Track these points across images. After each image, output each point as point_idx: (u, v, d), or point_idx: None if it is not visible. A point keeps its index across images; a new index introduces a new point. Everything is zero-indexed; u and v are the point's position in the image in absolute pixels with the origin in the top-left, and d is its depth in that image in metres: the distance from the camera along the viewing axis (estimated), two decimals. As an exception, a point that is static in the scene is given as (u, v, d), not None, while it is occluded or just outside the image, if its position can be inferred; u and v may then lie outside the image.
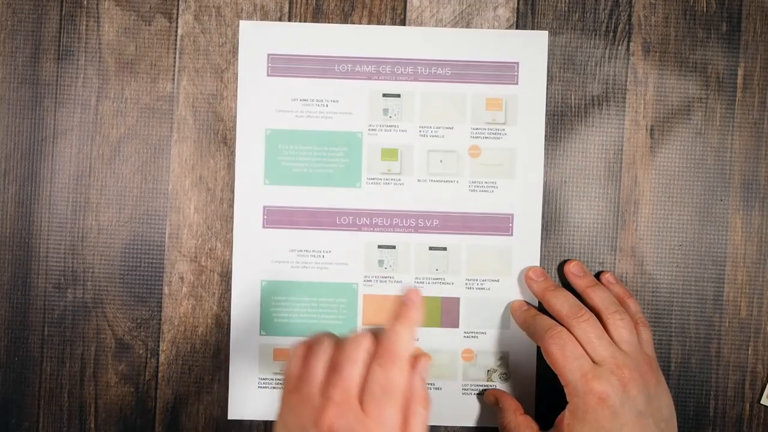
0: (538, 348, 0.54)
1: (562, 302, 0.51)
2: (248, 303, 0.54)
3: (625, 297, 0.52)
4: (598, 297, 0.51)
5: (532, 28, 0.54)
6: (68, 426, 0.54)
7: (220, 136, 0.54)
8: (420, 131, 0.54)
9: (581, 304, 0.51)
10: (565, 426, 0.47)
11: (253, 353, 0.54)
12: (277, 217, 0.54)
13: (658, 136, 0.55)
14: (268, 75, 0.54)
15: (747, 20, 0.54)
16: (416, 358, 0.41)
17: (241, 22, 0.54)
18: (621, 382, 0.47)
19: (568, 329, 0.49)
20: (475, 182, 0.54)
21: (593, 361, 0.48)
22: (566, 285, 0.54)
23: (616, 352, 0.48)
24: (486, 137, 0.54)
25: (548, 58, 0.54)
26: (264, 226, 0.54)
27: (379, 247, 0.54)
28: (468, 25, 0.54)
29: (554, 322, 0.50)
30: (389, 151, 0.54)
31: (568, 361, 0.48)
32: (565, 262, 0.54)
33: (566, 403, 0.48)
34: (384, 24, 0.54)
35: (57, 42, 0.54)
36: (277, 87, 0.54)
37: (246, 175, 0.54)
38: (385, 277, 0.54)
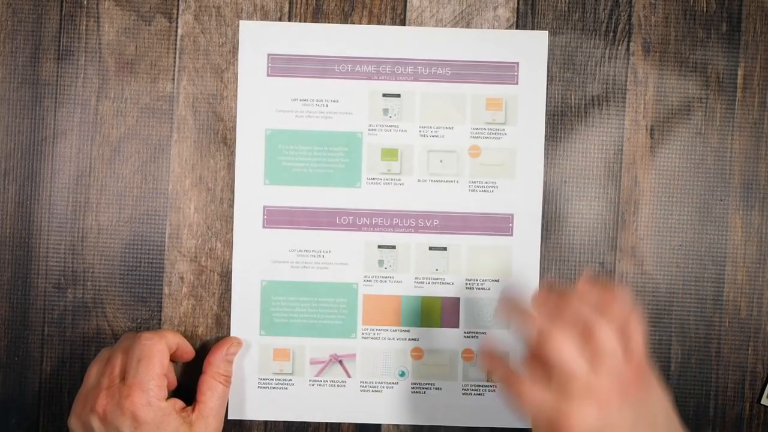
0: (538, 348, 0.54)
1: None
2: (248, 303, 0.54)
3: (609, 299, 0.44)
4: (571, 315, 0.43)
5: (532, 28, 0.54)
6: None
7: (220, 136, 0.54)
8: (420, 131, 0.54)
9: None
10: None
11: (253, 353, 0.54)
12: (277, 217, 0.54)
13: (658, 136, 0.55)
14: (268, 75, 0.54)
15: (747, 20, 0.54)
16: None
17: (241, 22, 0.54)
18: (598, 407, 0.41)
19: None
20: (475, 182, 0.54)
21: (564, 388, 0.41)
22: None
23: (590, 374, 0.41)
24: (486, 137, 0.54)
25: (548, 58, 0.54)
26: (264, 226, 0.54)
27: (379, 247, 0.54)
28: (468, 25, 0.54)
29: (552, 323, 0.43)
30: (389, 151, 0.54)
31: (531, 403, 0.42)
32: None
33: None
34: (384, 24, 0.54)
35: (57, 42, 0.54)
36: (277, 87, 0.54)
37: (246, 175, 0.54)
38: (385, 277, 0.54)
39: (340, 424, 0.55)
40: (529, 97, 0.54)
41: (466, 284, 0.54)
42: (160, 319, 0.54)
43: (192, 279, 0.54)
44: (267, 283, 0.54)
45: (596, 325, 0.42)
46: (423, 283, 0.54)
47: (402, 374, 0.55)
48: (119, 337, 0.54)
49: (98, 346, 0.54)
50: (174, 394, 0.51)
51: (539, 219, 0.54)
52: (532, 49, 0.54)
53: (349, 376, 0.54)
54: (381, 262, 0.54)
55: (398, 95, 0.54)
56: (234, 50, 0.54)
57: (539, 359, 0.43)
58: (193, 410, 0.49)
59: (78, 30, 0.54)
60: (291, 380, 0.54)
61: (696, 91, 0.54)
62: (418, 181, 0.54)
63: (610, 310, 0.44)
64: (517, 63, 0.54)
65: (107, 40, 0.54)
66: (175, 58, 0.54)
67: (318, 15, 0.54)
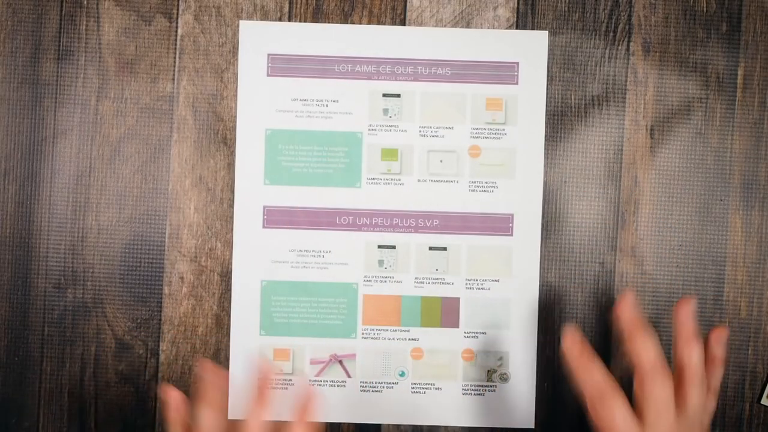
0: (538, 348, 0.54)
1: (649, 349, 0.45)
2: (248, 303, 0.54)
3: (718, 363, 0.48)
4: (695, 356, 0.46)
5: (532, 28, 0.54)
6: (68, 426, 0.54)
7: (220, 136, 0.54)
8: (420, 131, 0.54)
9: (665, 359, 0.46)
10: None
11: (253, 353, 0.54)
12: (277, 217, 0.54)
13: (658, 136, 0.55)
14: (268, 75, 0.54)
15: (747, 20, 0.54)
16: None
17: (241, 22, 0.54)
18: None
19: (639, 381, 0.45)
20: (475, 182, 0.54)
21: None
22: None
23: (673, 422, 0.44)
24: (486, 137, 0.54)
25: (548, 58, 0.54)
26: (264, 226, 0.54)
27: (379, 247, 0.54)
28: (468, 25, 0.54)
29: (607, 385, 0.45)
30: (389, 151, 0.54)
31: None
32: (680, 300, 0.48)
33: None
34: (384, 24, 0.54)
35: (57, 42, 0.54)
36: (277, 87, 0.54)
37: (246, 175, 0.54)
38: (385, 277, 0.54)
39: (340, 424, 0.55)
40: (529, 97, 0.54)
41: (466, 284, 0.54)
42: (160, 319, 0.54)
43: (192, 279, 0.54)
44: (267, 283, 0.54)
45: (653, 381, 0.44)
46: (423, 283, 0.54)
47: (402, 374, 0.55)
48: (119, 338, 0.54)
49: (98, 346, 0.54)
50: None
51: (539, 219, 0.54)
52: (532, 49, 0.54)
53: (349, 376, 0.54)
54: (381, 262, 0.54)
55: (398, 95, 0.54)
56: (234, 50, 0.54)
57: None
58: None
59: (78, 30, 0.54)
60: (291, 380, 0.54)
61: (696, 91, 0.54)
62: (418, 181, 0.54)
63: (712, 371, 0.47)
64: (517, 63, 0.54)
65: (107, 40, 0.54)
66: (175, 58, 0.54)
67: (318, 15, 0.54)
